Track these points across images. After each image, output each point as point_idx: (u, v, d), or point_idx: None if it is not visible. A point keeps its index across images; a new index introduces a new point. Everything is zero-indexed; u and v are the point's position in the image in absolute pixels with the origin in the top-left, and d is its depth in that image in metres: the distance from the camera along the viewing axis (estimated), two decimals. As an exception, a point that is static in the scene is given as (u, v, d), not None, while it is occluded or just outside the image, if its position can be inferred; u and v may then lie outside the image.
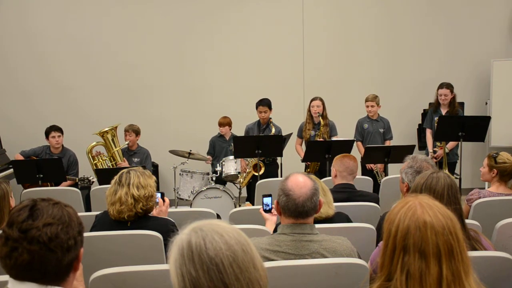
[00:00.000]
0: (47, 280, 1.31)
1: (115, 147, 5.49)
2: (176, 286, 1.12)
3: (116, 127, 5.57)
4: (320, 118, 5.40)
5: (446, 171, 5.29)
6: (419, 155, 2.90)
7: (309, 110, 5.53)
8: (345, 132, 5.76)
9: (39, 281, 1.31)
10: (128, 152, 5.65)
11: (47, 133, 5.34)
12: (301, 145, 5.69)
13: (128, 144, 5.57)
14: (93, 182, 5.15)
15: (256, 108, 5.59)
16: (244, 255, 1.11)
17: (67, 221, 1.34)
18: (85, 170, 5.59)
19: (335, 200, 2.78)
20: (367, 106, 5.58)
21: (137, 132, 5.61)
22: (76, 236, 1.35)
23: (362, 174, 5.30)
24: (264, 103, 5.55)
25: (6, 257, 1.29)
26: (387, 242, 1.41)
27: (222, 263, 1.09)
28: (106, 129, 5.49)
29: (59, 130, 5.39)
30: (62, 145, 5.41)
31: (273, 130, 5.52)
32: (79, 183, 5.20)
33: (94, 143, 5.53)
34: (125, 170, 2.68)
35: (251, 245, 1.15)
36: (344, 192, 3.25)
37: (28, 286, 1.30)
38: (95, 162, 5.47)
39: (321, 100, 5.44)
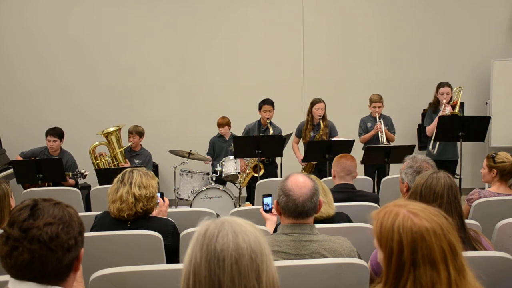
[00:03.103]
0: (47, 279, 1.32)
1: (119, 148, 5.47)
2: (184, 265, 1.15)
3: (120, 128, 5.55)
4: (320, 120, 5.39)
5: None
6: (418, 155, 2.90)
7: (310, 112, 5.49)
8: (345, 132, 5.75)
9: (40, 280, 1.31)
10: (131, 153, 5.63)
11: (46, 134, 5.30)
12: (297, 143, 5.68)
13: (131, 145, 5.57)
14: (86, 175, 5.10)
15: (260, 108, 5.57)
16: (249, 262, 1.11)
17: (68, 221, 1.34)
18: (85, 169, 5.57)
19: (335, 200, 2.78)
20: (374, 107, 5.53)
21: (140, 134, 5.61)
22: (77, 236, 1.36)
23: (365, 170, 5.41)
24: (269, 102, 5.54)
25: (6, 256, 1.30)
26: (390, 260, 1.35)
27: (224, 260, 1.09)
28: (111, 129, 5.44)
29: (57, 135, 5.19)
30: (61, 148, 5.37)
31: (271, 131, 5.49)
32: (73, 178, 5.17)
33: (97, 142, 5.51)
34: (128, 169, 2.70)
35: (266, 258, 1.14)
36: (344, 192, 3.25)
37: (28, 285, 1.31)
38: (97, 162, 5.46)
39: (323, 102, 5.42)
